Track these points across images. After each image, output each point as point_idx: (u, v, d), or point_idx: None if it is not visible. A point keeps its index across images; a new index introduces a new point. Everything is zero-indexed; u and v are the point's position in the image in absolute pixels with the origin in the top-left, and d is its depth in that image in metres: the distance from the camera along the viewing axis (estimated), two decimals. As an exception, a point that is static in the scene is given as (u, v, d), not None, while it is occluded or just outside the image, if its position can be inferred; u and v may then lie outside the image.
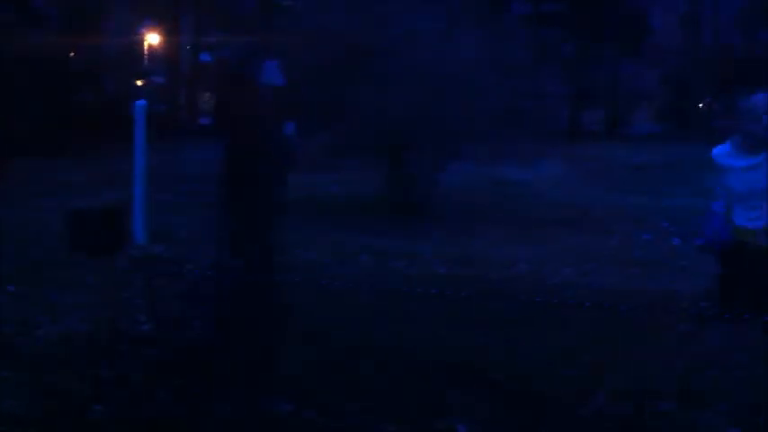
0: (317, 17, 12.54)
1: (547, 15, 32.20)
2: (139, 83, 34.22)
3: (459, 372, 5.33)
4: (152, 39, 35.14)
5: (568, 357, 5.90)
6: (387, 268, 8.79)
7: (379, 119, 11.26)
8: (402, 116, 10.88)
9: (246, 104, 5.08)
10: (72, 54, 28.53)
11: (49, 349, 5.90)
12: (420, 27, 11.94)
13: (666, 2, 35.61)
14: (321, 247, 9.81)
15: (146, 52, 35.51)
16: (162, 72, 36.96)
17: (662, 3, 35.49)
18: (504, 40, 12.80)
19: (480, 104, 11.42)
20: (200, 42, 33.92)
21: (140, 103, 9.93)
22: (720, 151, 5.60)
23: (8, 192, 14.16)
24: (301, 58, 11.87)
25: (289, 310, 5.55)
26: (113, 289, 7.60)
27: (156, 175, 10.19)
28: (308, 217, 11.85)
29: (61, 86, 27.07)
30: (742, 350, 6.02)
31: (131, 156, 9.77)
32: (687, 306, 7.47)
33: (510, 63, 12.23)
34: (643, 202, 14.62)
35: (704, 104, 36.71)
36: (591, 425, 4.84)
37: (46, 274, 8.12)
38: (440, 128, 11.62)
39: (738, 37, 34.85)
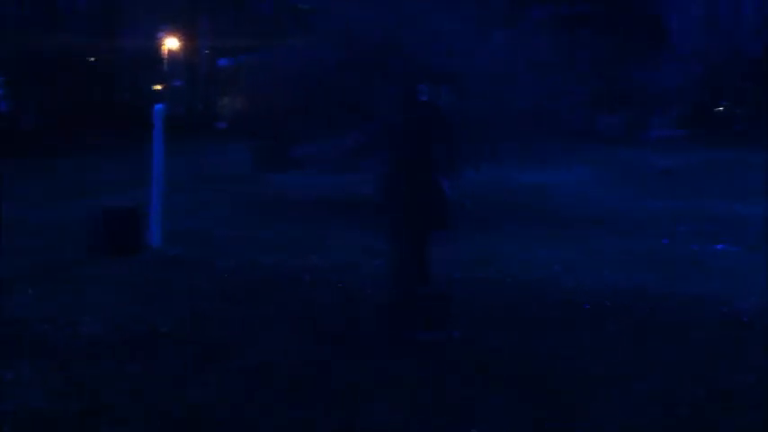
0: (342, 16, 12.42)
1: (568, 18, 31.92)
2: (158, 87, 34.31)
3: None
4: (171, 43, 35.24)
5: (603, 358, 5.87)
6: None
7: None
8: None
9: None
10: (94, 58, 28.70)
11: (78, 346, 5.98)
12: (445, 27, 11.80)
13: (686, 6, 35.41)
14: (351, 247, 9.81)
15: (166, 56, 35.64)
16: (180, 75, 37.06)
17: (681, 7, 35.29)
18: (525, 43, 12.60)
19: (505, 107, 11.26)
20: (218, 46, 33.99)
21: (158, 106, 9.84)
22: None
23: (33, 192, 14.29)
24: (325, 56, 11.78)
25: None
26: (132, 290, 7.58)
27: (173, 176, 10.15)
28: (338, 217, 11.95)
29: (84, 88, 27.25)
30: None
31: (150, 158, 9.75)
32: (722, 309, 7.35)
33: (531, 65, 12.05)
34: (673, 206, 14.30)
35: (725, 108, 36.36)
36: (626, 422, 4.81)
37: (70, 274, 8.21)
38: (466, 129, 11.48)
39: (760, 41, 34.50)
